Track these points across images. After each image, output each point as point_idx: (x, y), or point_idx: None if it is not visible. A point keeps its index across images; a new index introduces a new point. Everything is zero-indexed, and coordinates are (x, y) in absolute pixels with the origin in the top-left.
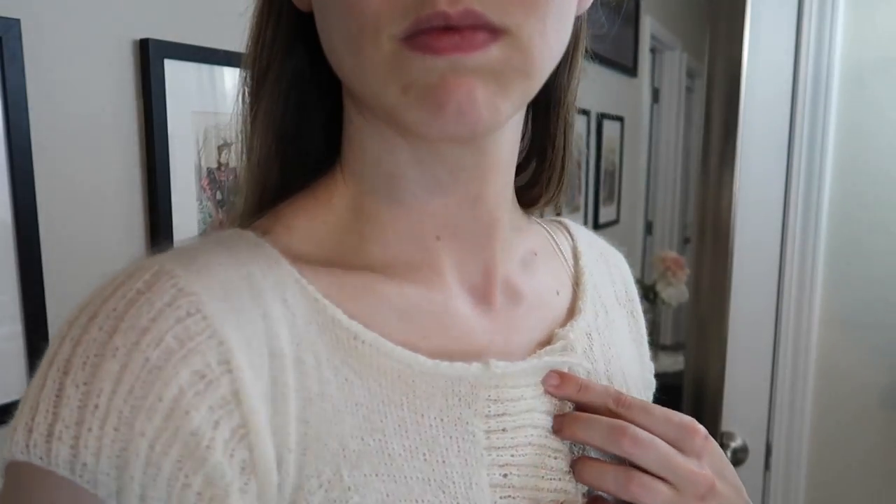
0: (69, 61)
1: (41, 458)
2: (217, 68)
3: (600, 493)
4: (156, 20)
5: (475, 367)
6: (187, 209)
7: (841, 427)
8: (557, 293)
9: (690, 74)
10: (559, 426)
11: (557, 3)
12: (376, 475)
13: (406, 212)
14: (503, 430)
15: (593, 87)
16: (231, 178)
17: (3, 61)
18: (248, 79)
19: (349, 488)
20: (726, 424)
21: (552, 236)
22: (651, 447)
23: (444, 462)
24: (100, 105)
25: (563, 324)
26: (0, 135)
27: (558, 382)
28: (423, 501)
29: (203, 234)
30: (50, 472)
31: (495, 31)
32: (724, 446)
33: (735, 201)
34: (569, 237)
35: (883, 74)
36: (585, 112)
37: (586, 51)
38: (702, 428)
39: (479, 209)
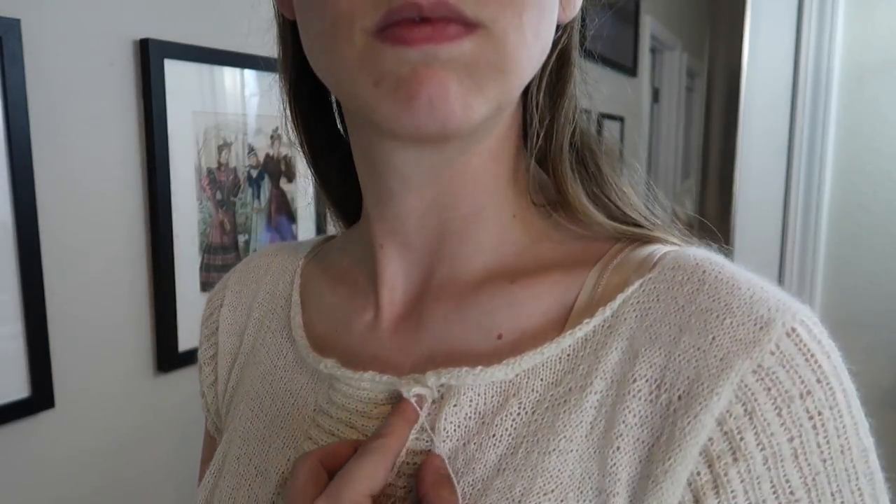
0: (69, 61)
1: None
2: (217, 68)
3: None
4: (156, 20)
5: (314, 358)
6: (187, 209)
7: None
8: (499, 336)
9: (690, 74)
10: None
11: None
12: (250, 412)
13: (367, 219)
14: (328, 431)
15: (593, 88)
16: (231, 178)
17: (3, 61)
18: (283, 90)
19: (233, 408)
20: None
21: (607, 272)
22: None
23: (280, 428)
24: (100, 105)
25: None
26: (0, 135)
27: (404, 410)
28: (259, 452)
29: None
30: None
31: (469, 25)
32: None
33: (735, 201)
34: (637, 276)
35: (883, 75)
36: (585, 112)
37: (593, 55)
38: None
39: (429, 220)
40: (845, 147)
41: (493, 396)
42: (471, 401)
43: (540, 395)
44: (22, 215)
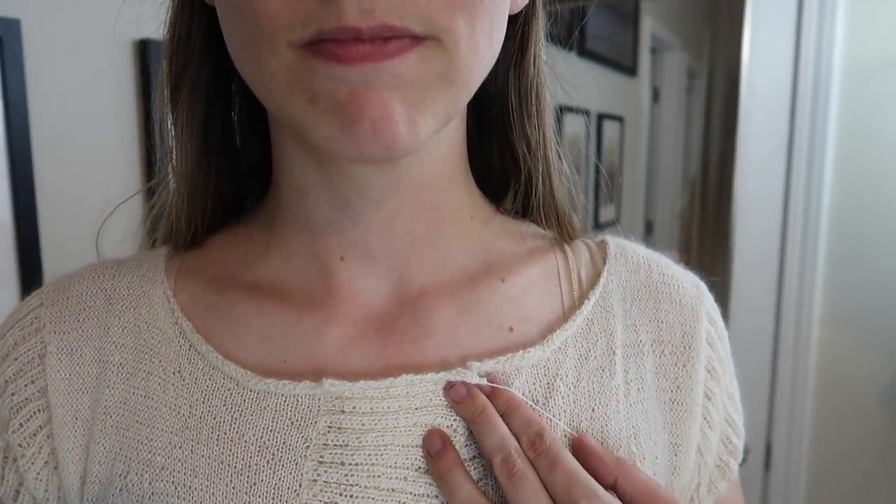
0: (69, 61)
1: None
2: None
3: None
4: (155, 21)
5: (304, 385)
6: None
7: (841, 427)
8: (511, 329)
9: (690, 74)
10: (459, 399)
11: (487, 4)
12: (175, 488)
13: (311, 229)
14: (340, 463)
15: (593, 87)
16: None
17: (3, 61)
18: (167, 78)
19: (146, 496)
20: None
21: (568, 260)
22: (522, 483)
23: (250, 488)
24: (100, 105)
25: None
26: (0, 135)
27: (463, 395)
28: None
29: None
30: None
31: (416, 38)
32: None
33: (735, 201)
34: (600, 261)
35: (883, 74)
36: (585, 112)
37: (586, 51)
38: None
39: (394, 230)
40: (845, 146)
41: (538, 379)
42: (520, 388)
43: (577, 372)
44: (22, 215)
